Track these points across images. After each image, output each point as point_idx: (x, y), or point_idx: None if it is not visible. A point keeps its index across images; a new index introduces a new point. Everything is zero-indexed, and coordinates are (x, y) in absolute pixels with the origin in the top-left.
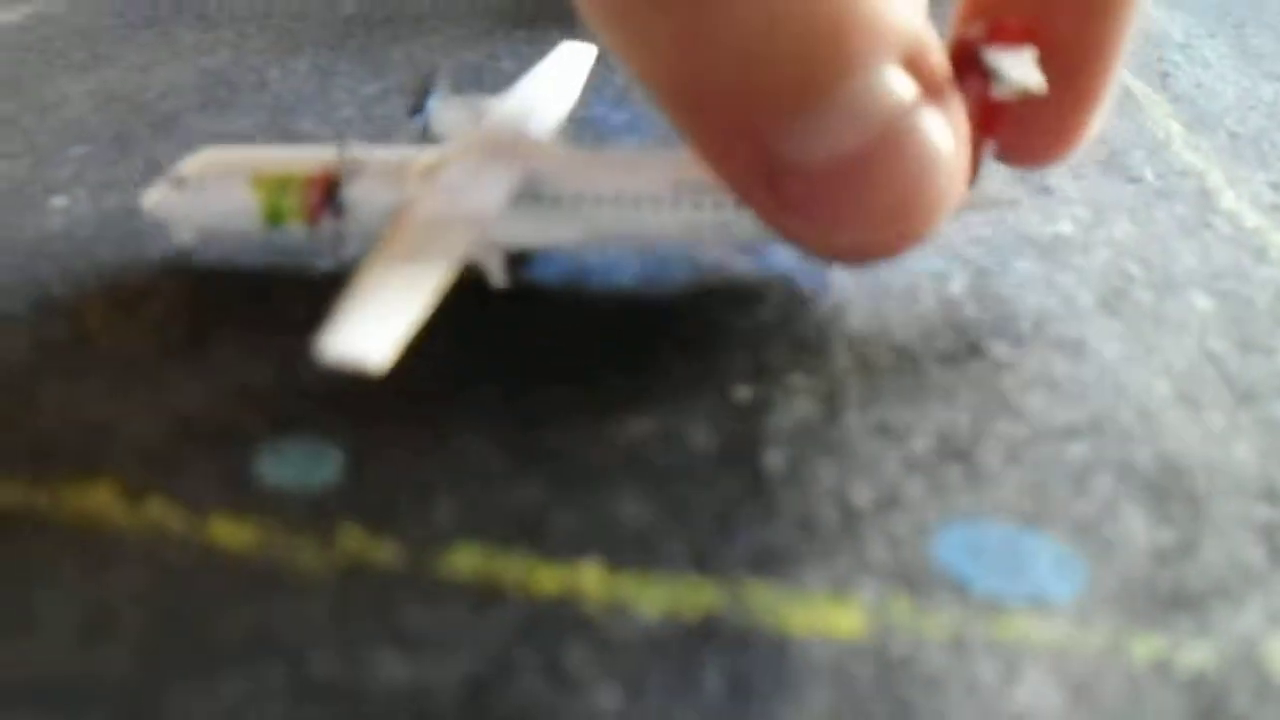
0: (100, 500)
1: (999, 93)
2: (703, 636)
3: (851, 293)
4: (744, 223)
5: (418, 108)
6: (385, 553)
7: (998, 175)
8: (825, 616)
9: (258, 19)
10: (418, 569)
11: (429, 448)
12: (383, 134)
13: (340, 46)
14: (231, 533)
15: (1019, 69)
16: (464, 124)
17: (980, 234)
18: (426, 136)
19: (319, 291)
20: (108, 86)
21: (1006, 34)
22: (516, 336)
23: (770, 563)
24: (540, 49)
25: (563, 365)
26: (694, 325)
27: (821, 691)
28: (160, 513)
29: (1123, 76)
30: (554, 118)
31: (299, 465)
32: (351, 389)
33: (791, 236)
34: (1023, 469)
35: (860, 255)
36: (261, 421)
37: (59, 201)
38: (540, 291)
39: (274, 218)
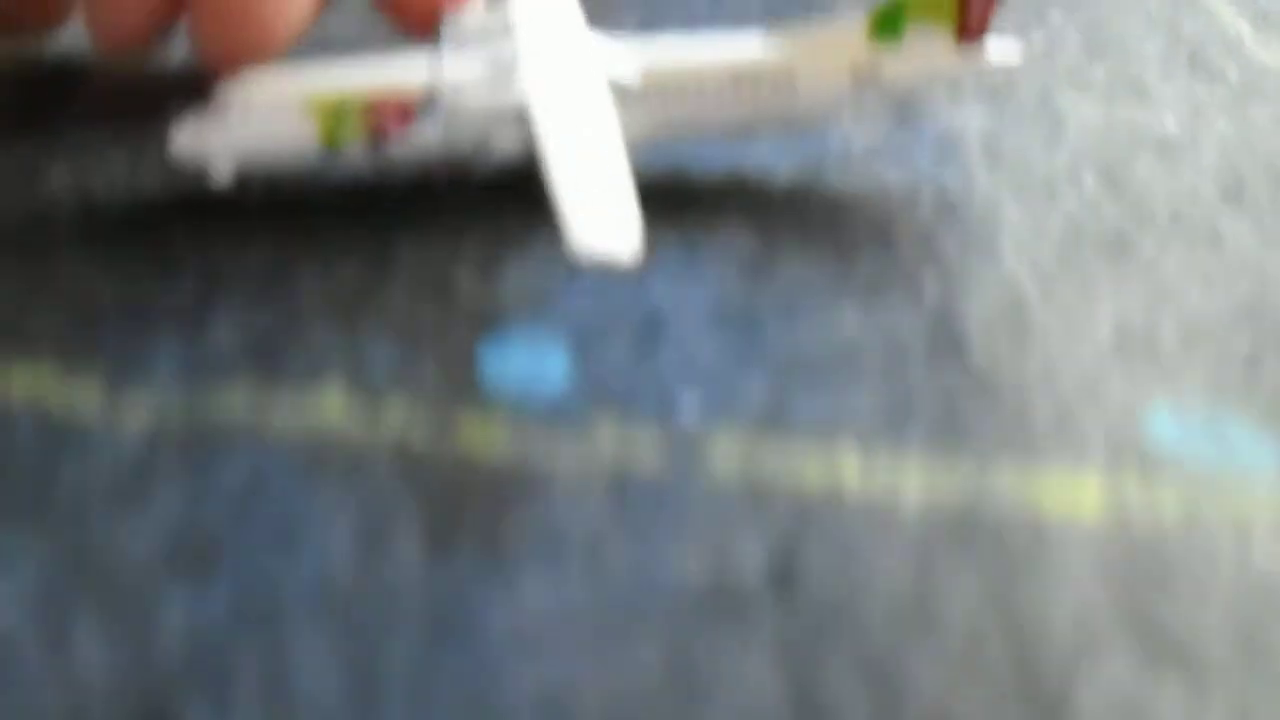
0: (334, 405)
1: None
2: (967, 520)
3: (998, 194)
4: (798, 105)
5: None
6: (645, 449)
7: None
8: (1067, 496)
9: None
10: (683, 463)
11: (650, 346)
12: None
13: None
14: (483, 438)
15: None
16: (491, 29)
17: (1097, 135)
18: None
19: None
20: None
21: None
22: (711, 230)
23: (1005, 448)
24: None
25: (753, 260)
26: (864, 222)
27: (1084, 565)
28: (402, 416)
29: None
30: (578, 14)
31: (525, 366)
32: (555, 287)
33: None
34: (1199, 357)
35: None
36: (473, 322)
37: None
38: (703, 185)
39: (333, 141)
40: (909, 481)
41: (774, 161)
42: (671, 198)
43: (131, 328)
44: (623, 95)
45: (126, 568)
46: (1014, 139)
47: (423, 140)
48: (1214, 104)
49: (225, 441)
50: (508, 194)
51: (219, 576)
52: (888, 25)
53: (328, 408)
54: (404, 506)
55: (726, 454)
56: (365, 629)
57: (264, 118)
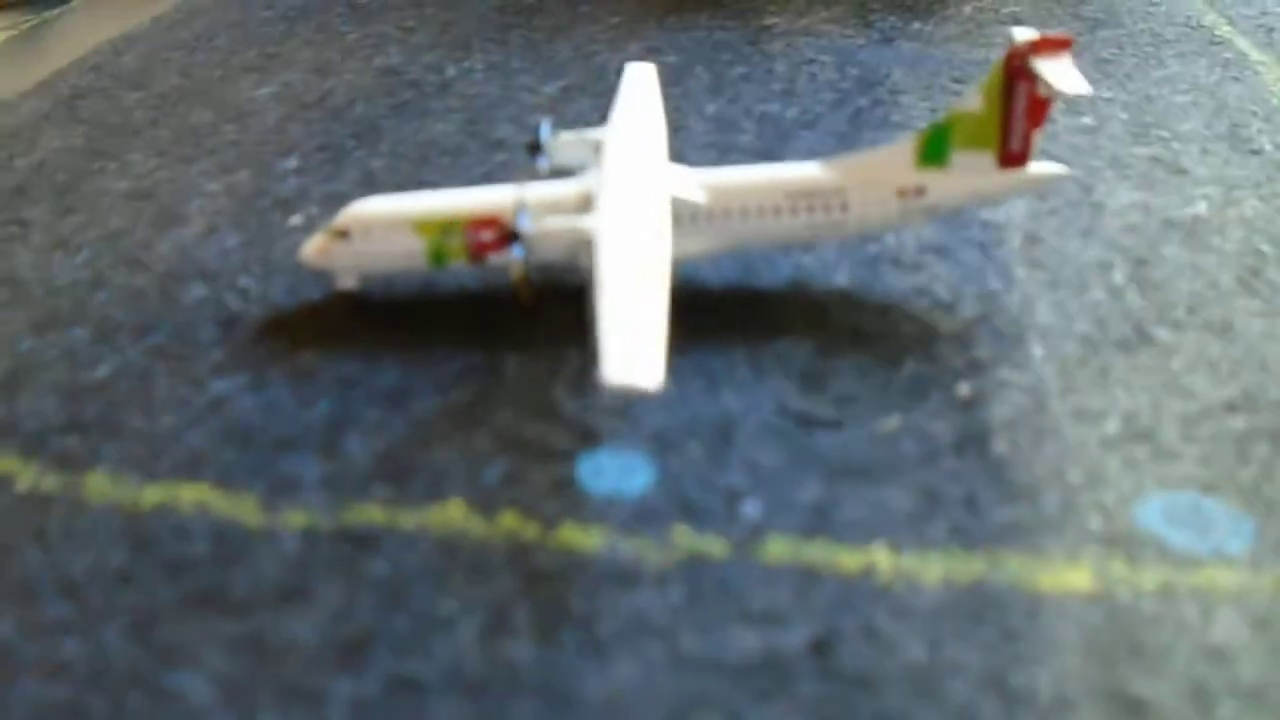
0: (456, 517)
1: (1043, 92)
2: (975, 599)
3: (1033, 288)
4: (850, 221)
5: (537, 146)
6: (714, 546)
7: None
8: (1063, 576)
9: (410, 8)
10: (744, 558)
11: (720, 454)
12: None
13: (505, 41)
14: (581, 538)
15: (1058, 75)
16: (582, 155)
17: (1131, 222)
18: (551, 170)
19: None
20: (292, 91)
21: (1048, 45)
22: (775, 339)
23: (1014, 536)
24: (697, 39)
25: (810, 369)
26: (910, 325)
27: (1070, 633)
28: (514, 524)
29: (1231, 35)
30: (661, 141)
31: (616, 477)
32: (642, 405)
33: None
34: (1196, 443)
35: None
36: (572, 437)
37: (296, 220)
38: (770, 289)
39: (438, 259)
40: (930, 569)
41: (834, 261)
42: (741, 302)
43: (277, 449)
44: (694, 214)
45: (297, 654)
46: (1054, 231)
47: (516, 259)
48: (1247, 181)
49: (368, 545)
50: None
51: (373, 662)
52: (934, 151)
53: (451, 516)
54: (519, 601)
55: (780, 548)
56: (491, 702)
57: (378, 238)
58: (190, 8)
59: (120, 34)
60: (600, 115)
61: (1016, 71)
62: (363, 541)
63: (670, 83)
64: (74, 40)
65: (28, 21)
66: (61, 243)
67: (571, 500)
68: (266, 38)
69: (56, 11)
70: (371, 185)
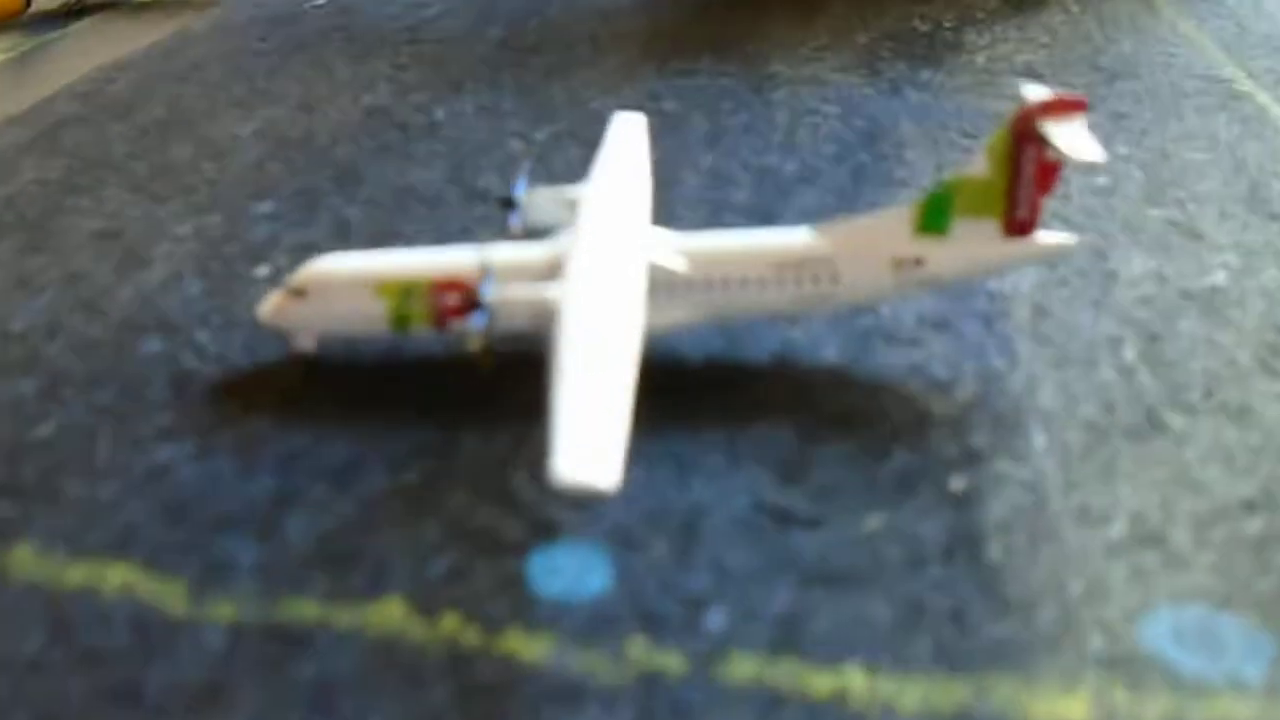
0: (394, 616)
1: (1052, 157)
2: None
3: (1038, 367)
4: (840, 292)
5: (510, 203)
6: (671, 662)
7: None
8: (1057, 706)
9: (406, 45)
10: (703, 676)
11: (685, 553)
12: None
13: (498, 82)
14: (526, 647)
15: (1068, 140)
16: (558, 213)
17: (1145, 293)
18: (524, 229)
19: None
20: (276, 128)
21: (1060, 107)
22: (754, 424)
23: (1005, 658)
24: (698, 86)
25: (790, 457)
26: (902, 408)
27: None
28: (455, 627)
29: (1251, 89)
30: (645, 200)
31: (570, 577)
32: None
33: None
34: (1210, 549)
35: None
36: (527, 528)
37: (262, 270)
38: (753, 365)
39: (400, 323)
40: (909, 695)
41: (824, 335)
42: (720, 379)
43: (214, 527)
44: (672, 283)
45: None
46: (1063, 303)
47: (478, 327)
48: (1267, 248)
49: (298, 644)
50: None
51: None
52: (934, 218)
53: (390, 615)
54: (453, 715)
55: (743, 666)
56: None
57: (337, 299)
58: (186, 36)
59: (113, 61)
60: (590, 164)
61: (1025, 134)
62: (292, 640)
63: (666, 132)
64: (68, 66)
65: (25, 45)
66: (22, 283)
67: (520, 602)
68: (257, 71)
69: (54, 35)
70: (345, 235)
